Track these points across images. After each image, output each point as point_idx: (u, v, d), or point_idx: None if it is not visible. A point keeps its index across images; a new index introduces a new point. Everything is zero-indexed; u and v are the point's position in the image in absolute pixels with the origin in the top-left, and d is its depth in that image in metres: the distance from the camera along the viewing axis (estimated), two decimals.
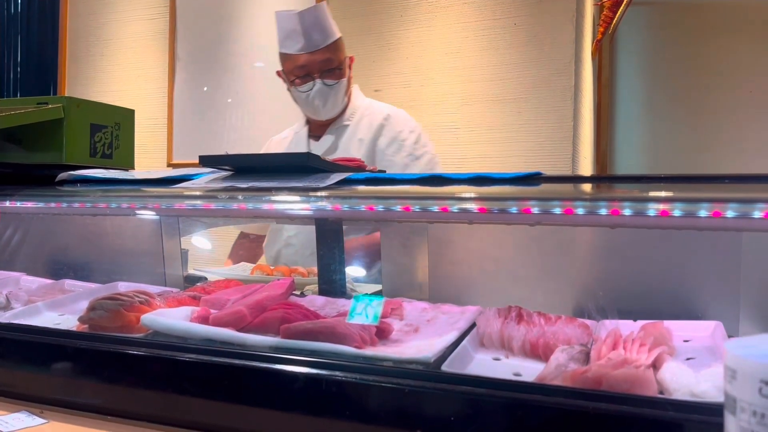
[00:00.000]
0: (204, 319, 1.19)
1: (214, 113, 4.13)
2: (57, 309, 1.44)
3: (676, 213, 0.97)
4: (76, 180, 1.59)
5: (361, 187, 1.29)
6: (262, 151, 2.52)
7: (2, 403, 1.15)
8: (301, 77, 2.23)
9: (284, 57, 2.27)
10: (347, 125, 2.32)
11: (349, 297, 1.41)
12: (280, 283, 1.38)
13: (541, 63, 3.36)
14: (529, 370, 1.02)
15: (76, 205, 1.48)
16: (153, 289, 1.46)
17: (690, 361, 1.00)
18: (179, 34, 4.25)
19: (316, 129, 2.37)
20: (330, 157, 2.07)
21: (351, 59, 2.32)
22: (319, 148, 2.30)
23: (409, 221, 1.43)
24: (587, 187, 1.33)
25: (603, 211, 1.02)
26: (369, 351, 1.05)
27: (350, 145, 2.28)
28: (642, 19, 3.95)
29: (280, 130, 2.53)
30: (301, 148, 2.34)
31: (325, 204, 1.24)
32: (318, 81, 2.21)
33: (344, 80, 2.26)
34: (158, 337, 1.16)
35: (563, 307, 1.22)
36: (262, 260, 2.32)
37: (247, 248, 2.42)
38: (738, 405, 0.50)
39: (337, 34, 2.26)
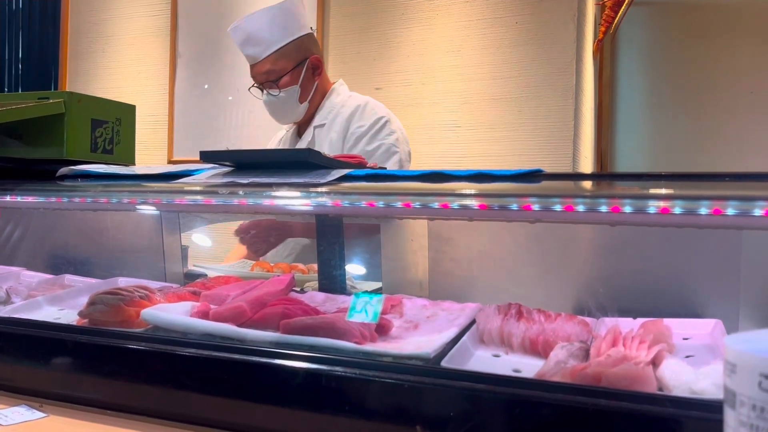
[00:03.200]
0: (204, 315, 1.19)
1: (215, 111, 4.13)
2: (57, 304, 1.44)
3: (677, 210, 0.97)
4: (76, 175, 1.59)
5: (362, 184, 1.29)
6: (267, 146, 2.52)
7: (2, 397, 1.15)
8: (256, 86, 2.22)
9: None
10: (323, 124, 2.25)
11: (349, 294, 1.41)
12: (280, 279, 1.38)
13: (542, 62, 3.36)
14: (529, 367, 1.02)
15: (77, 200, 1.48)
16: (153, 284, 1.46)
17: (689, 359, 1.00)
18: (180, 31, 4.25)
19: (302, 127, 2.33)
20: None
21: (313, 60, 2.22)
22: (300, 145, 2.27)
23: (410, 218, 1.43)
24: (588, 184, 1.33)
25: (603, 209, 1.02)
26: (369, 347, 1.06)
27: (323, 146, 2.20)
28: (643, 19, 3.95)
29: (281, 129, 2.52)
30: (288, 144, 2.33)
31: (325, 200, 1.24)
32: (265, 92, 2.19)
33: (293, 88, 2.17)
34: (158, 332, 1.16)
35: (563, 305, 1.22)
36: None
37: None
38: (738, 399, 0.50)
39: (283, 41, 2.15)
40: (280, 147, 2.37)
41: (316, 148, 2.17)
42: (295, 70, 2.18)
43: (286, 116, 2.26)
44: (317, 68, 2.25)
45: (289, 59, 2.18)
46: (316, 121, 2.26)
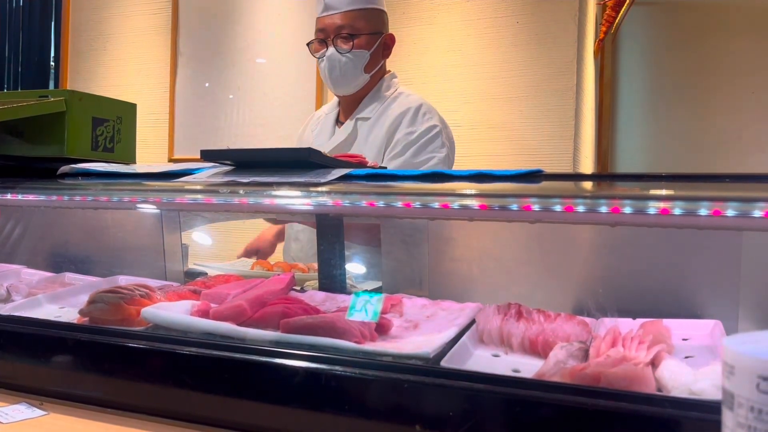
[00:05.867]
0: (204, 313, 1.20)
1: (216, 109, 4.14)
2: (58, 302, 1.44)
3: (677, 211, 0.97)
4: (77, 173, 1.59)
5: (362, 183, 1.30)
6: (303, 125, 2.41)
7: (2, 395, 1.15)
8: (318, 42, 2.10)
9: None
10: (369, 118, 2.12)
11: (349, 293, 1.41)
12: (280, 278, 1.38)
13: (543, 62, 3.36)
14: (528, 367, 1.02)
15: (78, 198, 1.48)
16: (153, 283, 1.47)
17: (688, 360, 1.00)
18: (181, 29, 4.25)
19: (344, 113, 2.20)
20: (346, 152, 2.03)
21: (388, 38, 2.14)
22: (339, 136, 2.15)
23: (410, 217, 1.43)
24: (588, 184, 1.33)
25: (603, 209, 1.02)
26: (368, 346, 1.06)
27: (366, 143, 2.08)
28: (644, 19, 3.95)
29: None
30: (326, 132, 2.20)
31: (325, 199, 1.25)
32: (331, 47, 2.06)
33: (364, 53, 2.07)
34: (158, 330, 1.16)
35: (563, 305, 1.22)
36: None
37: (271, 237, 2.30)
38: (736, 401, 0.50)
39: (369, 4, 2.09)
40: (315, 135, 2.23)
41: (356, 144, 2.10)
42: (370, 37, 2.08)
43: (345, 80, 2.10)
44: (388, 48, 2.16)
45: (369, 23, 2.09)
46: (360, 113, 2.14)
